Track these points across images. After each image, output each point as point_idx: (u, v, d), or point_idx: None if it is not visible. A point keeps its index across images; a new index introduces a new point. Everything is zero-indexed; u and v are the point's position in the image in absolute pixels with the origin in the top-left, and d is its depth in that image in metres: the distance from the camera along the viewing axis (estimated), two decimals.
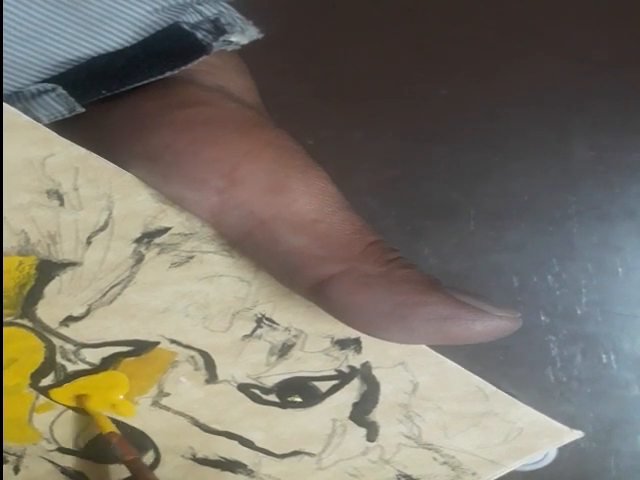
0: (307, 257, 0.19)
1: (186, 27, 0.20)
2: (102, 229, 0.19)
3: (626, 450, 0.74)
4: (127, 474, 0.23)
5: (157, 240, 0.20)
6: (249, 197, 0.19)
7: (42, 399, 0.22)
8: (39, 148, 0.18)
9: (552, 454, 0.69)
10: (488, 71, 0.68)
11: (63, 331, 0.21)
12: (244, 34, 0.21)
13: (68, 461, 0.24)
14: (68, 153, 0.18)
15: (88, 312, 0.21)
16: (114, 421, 0.23)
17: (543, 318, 0.71)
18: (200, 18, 0.21)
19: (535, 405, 0.77)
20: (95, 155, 0.18)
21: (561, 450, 0.69)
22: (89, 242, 0.19)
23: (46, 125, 0.18)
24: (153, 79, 0.20)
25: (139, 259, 0.20)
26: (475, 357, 0.75)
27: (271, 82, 0.70)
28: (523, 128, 0.68)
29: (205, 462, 0.24)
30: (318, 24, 0.68)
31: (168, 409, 0.23)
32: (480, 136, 0.69)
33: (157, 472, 0.24)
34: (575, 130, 0.68)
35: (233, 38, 0.21)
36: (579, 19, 0.66)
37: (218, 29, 0.21)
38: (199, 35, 0.20)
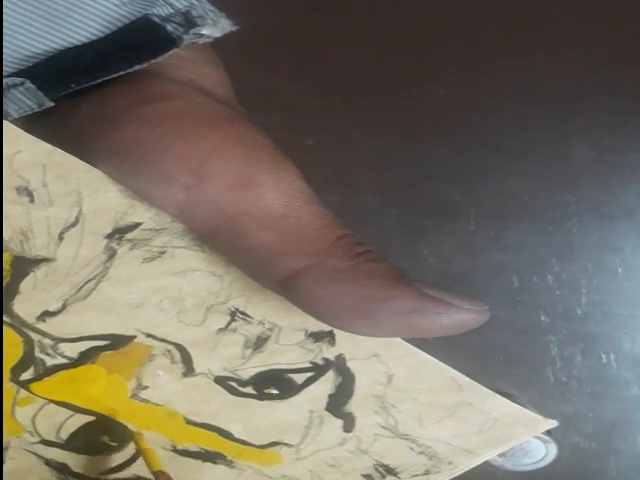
0: (275, 252, 0.19)
1: (156, 20, 0.20)
2: (73, 225, 0.19)
3: (626, 450, 0.74)
4: (110, 465, 0.24)
5: (128, 235, 0.20)
6: (217, 193, 0.19)
7: (23, 393, 0.23)
8: (6, 145, 0.18)
9: (552, 454, 0.69)
10: (488, 71, 0.68)
11: (40, 326, 0.21)
12: (216, 27, 0.21)
13: (51, 453, 0.24)
14: (34, 150, 0.18)
15: (64, 307, 0.21)
16: (93, 413, 0.23)
17: (543, 318, 0.71)
18: (171, 11, 0.20)
19: (535, 405, 0.77)
20: (61, 152, 0.19)
21: (561, 450, 0.69)
22: (61, 238, 0.20)
23: (16, 120, 0.18)
24: (122, 73, 0.20)
25: (111, 254, 0.20)
26: (475, 357, 0.75)
27: (271, 82, 0.70)
28: (523, 128, 0.68)
29: (185, 453, 0.24)
30: (318, 24, 0.68)
31: (147, 401, 0.23)
32: (480, 136, 0.69)
33: (137, 464, 0.24)
34: (575, 130, 0.68)
35: (204, 31, 0.21)
36: (579, 19, 0.66)
37: (189, 22, 0.20)
38: (169, 28, 0.20)
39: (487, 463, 0.77)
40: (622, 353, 0.72)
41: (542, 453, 0.69)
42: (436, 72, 0.68)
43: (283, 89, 0.68)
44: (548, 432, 0.69)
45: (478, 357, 0.71)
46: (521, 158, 0.69)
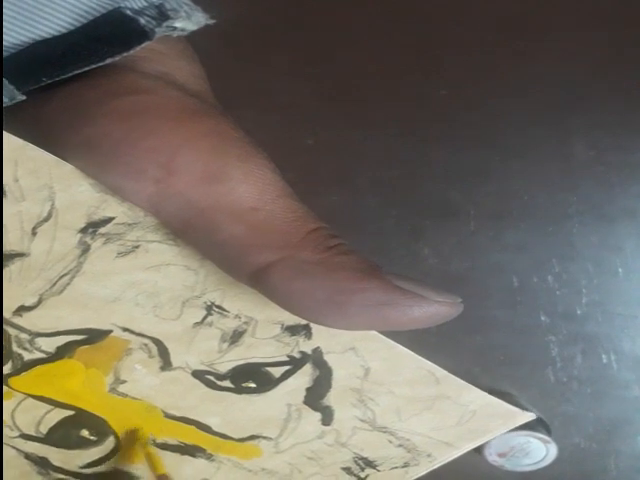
0: (245, 245, 0.19)
1: (128, 12, 0.20)
2: (46, 220, 0.19)
3: (626, 450, 0.74)
4: (90, 459, 0.24)
5: (102, 230, 0.20)
6: (186, 186, 0.19)
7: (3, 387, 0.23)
8: None
9: (552, 454, 0.69)
10: (488, 71, 0.68)
11: (17, 321, 0.21)
12: (190, 20, 0.21)
13: (31, 447, 0.24)
14: (6, 144, 0.18)
15: (40, 302, 0.21)
16: (72, 408, 0.23)
17: (543, 318, 0.71)
18: (144, 4, 0.20)
19: (535, 405, 0.76)
20: (32, 146, 0.19)
21: (561, 450, 0.69)
22: (34, 233, 0.20)
23: None
24: (94, 66, 0.20)
25: (85, 249, 0.20)
26: (475, 357, 0.75)
27: (271, 82, 0.70)
28: (523, 128, 0.68)
29: (165, 447, 0.24)
30: (318, 24, 0.68)
31: (125, 395, 0.23)
32: (480, 136, 0.69)
33: (117, 458, 0.24)
34: (575, 130, 0.68)
35: (178, 24, 0.21)
36: (579, 19, 0.66)
37: (162, 14, 0.20)
38: (142, 21, 0.20)
39: (487, 463, 0.76)
40: (623, 353, 0.72)
41: (542, 453, 0.69)
42: (436, 72, 0.68)
43: (283, 89, 0.68)
44: (548, 432, 0.69)
45: (478, 357, 0.71)
46: (521, 158, 0.69)
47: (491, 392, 0.77)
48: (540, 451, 0.68)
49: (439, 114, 0.69)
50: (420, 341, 0.72)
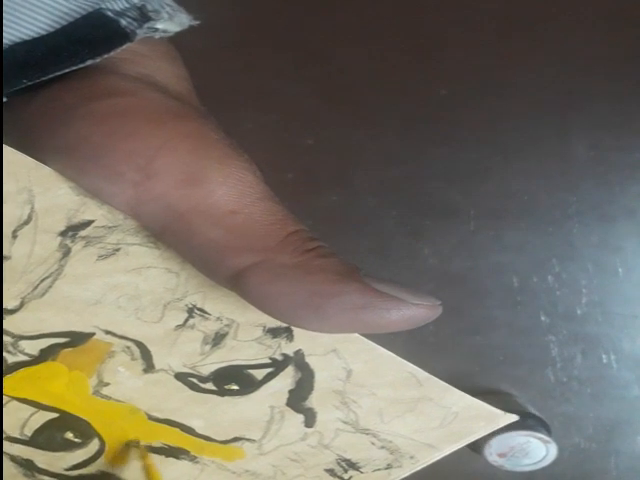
0: (223, 249, 0.19)
1: (109, 14, 0.20)
2: (26, 223, 0.19)
3: (626, 451, 0.74)
4: (75, 461, 0.24)
5: (82, 233, 0.20)
6: (165, 190, 0.18)
7: None
8: None
9: (552, 454, 0.69)
10: (488, 71, 0.68)
11: None
12: (172, 21, 0.21)
13: (16, 449, 0.24)
14: None
15: (22, 305, 0.21)
16: (57, 410, 0.23)
17: (543, 318, 0.71)
18: (126, 5, 0.20)
19: (535, 405, 0.76)
20: (11, 149, 0.18)
21: (561, 451, 0.69)
22: (15, 236, 0.20)
23: None
24: (75, 67, 0.19)
25: (66, 252, 0.20)
26: (475, 357, 0.75)
27: (271, 82, 0.70)
28: (523, 128, 0.68)
29: (149, 449, 0.24)
30: (318, 24, 0.68)
31: (109, 398, 0.23)
32: (480, 136, 0.69)
33: (102, 460, 0.24)
34: (575, 130, 0.68)
35: (159, 25, 0.21)
36: (579, 19, 0.66)
37: (143, 16, 0.20)
38: (123, 22, 0.20)
39: (487, 463, 0.76)
40: (622, 353, 0.72)
41: (542, 453, 0.69)
42: (436, 72, 0.68)
43: (283, 89, 0.68)
44: (548, 432, 0.69)
45: (478, 357, 0.71)
46: (521, 158, 0.69)
47: (491, 392, 0.78)
48: (540, 451, 0.68)
49: (439, 114, 0.69)
50: (420, 341, 0.72)
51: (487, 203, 0.70)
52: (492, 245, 0.71)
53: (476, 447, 0.69)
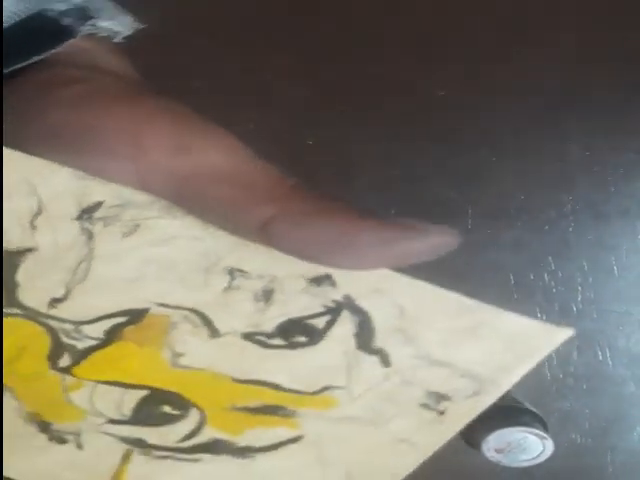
0: (239, 203, 0.19)
1: (52, 14, 0.21)
2: (39, 213, 0.19)
3: (622, 446, 0.74)
4: (183, 432, 0.24)
5: (97, 215, 0.20)
6: (162, 159, 0.19)
7: (69, 379, 0.23)
8: None
9: (549, 450, 0.69)
10: (487, 71, 0.68)
11: (54, 313, 0.21)
12: (115, 20, 0.21)
13: (123, 430, 0.24)
14: None
15: (68, 292, 0.21)
16: (144, 387, 0.23)
17: (539, 315, 0.72)
18: (68, 6, 0.21)
19: (531, 401, 0.76)
20: None
21: (558, 446, 0.70)
22: (33, 227, 0.20)
23: None
24: (24, 63, 0.20)
25: (90, 235, 0.20)
26: None
27: (271, 82, 0.71)
28: (520, 128, 0.69)
29: (246, 410, 0.24)
30: (319, 24, 0.68)
31: (189, 368, 0.23)
32: (477, 136, 0.69)
33: (209, 427, 0.24)
34: (571, 130, 0.69)
35: (102, 23, 0.21)
36: (578, 19, 0.67)
37: (85, 14, 0.21)
38: (65, 20, 0.21)
39: (485, 459, 0.76)
40: (617, 350, 0.72)
41: (539, 449, 0.69)
42: (436, 72, 0.68)
43: (283, 89, 0.68)
44: (545, 428, 0.69)
45: None
46: (518, 158, 0.70)
47: None
48: (537, 447, 0.69)
49: (438, 114, 0.69)
50: None
51: (484, 202, 0.71)
52: (489, 243, 0.71)
53: (474, 443, 0.69)
